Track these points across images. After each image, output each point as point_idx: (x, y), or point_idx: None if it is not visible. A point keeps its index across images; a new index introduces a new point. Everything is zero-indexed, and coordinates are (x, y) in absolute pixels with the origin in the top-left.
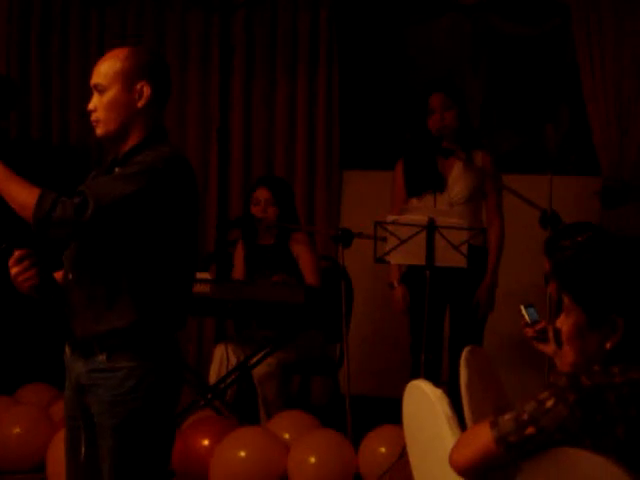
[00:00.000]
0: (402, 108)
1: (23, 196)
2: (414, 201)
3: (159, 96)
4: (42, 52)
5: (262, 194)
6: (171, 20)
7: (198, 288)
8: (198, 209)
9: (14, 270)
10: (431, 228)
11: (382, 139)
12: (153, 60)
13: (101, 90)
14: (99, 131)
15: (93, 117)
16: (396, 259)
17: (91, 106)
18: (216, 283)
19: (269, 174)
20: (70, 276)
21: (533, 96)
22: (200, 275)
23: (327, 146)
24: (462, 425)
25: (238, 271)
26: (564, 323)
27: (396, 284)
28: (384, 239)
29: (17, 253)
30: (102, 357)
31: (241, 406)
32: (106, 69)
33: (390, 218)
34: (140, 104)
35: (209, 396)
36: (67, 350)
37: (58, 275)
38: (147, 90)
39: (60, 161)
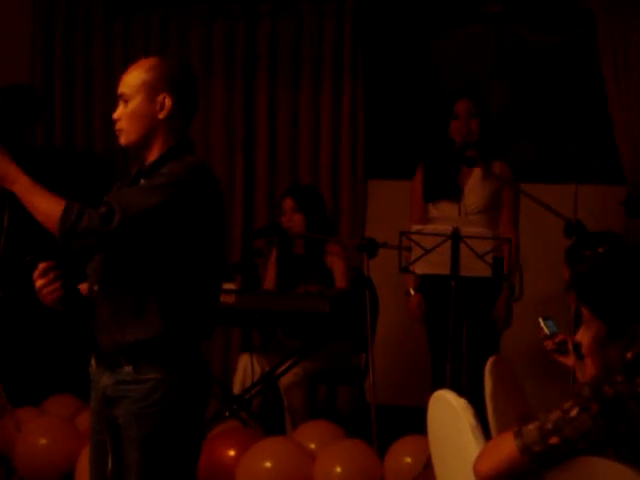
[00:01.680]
0: (426, 117)
1: (48, 208)
2: (432, 209)
3: (182, 108)
4: (66, 61)
5: (287, 203)
6: (196, 29)
7: (223, 298)
8: (224, 219)
9: (39, 282)
10: (456, 238)
11: (407, 148)
12: (178, 71)
13: (125, 100)
14: (122, 140)
15: (117, 126)
16: (421, 269)
17: (116, 115)
18: (242, 293)
19: (295, 184)
20: (96, 288)
21: (557, 105)
22: (225, 285)
23: (352, 156)
24: (486, 435)
25: (269, 280)
26: (584, 336)
27: (412, 292)
28: (409, 249)
29: (41, 265)
30: (128, 369)
31: (267, 416)
32: (131, 79)
33: (415, 228)
34: (161, 115)
35: (234, 407)
36: (92, 362)
37: (83, 287)
38: (169, 102)
39: (84, 170)
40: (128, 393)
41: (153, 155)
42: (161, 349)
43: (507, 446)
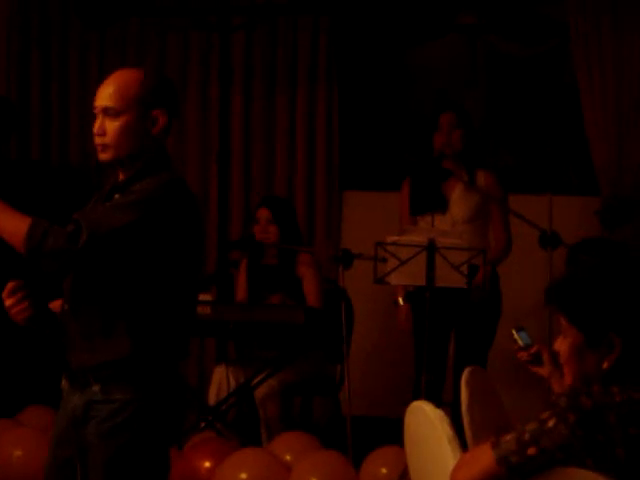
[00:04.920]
0: (401, 128)
1: (14, 226)
2: (420, 222)
3: (169, 122)
4: (42, 73)
5: (262, 214)
6: (171, 41)
7: (199, 309)
8: (201, 236)
9: (7, 302)
10: (431, 249)
11: (382, 159)
12: (166, 85)
13: (113, 114)
14: (106, 156)
15: (99, 141)
16: (396, 280)
17: (99, 130)
18: (217, 304)
19: (269, 194)
20: (66, 307)
21: (532, 115)
22: (201, 296)
23: (327, 167)
24: (463, 446)
25: (241, 292)
26: (561, 344)
27: (401, 302)
28: (384, 260)
29: (9, 285)
30: (96, 388)
31: (242, 427)
32: (119, 92)
33: (390, 239)
34: (155, 131)
35: (210, 418)
36: (64, 382)
37: (56, 305)
38: (163, 118)
39: (59, 182)
40: (96, 413)
41: (133, 170)
42: (130, 369)
43: (484, 457)
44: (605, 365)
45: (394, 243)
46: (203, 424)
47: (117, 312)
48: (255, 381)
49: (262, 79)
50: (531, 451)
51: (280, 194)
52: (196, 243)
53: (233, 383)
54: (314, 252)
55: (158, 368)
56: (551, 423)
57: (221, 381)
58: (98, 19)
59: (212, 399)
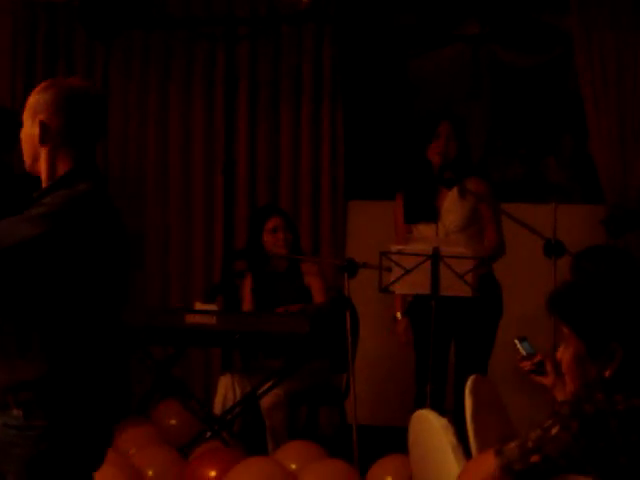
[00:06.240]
0: (406, 138)
1: None
2: (414, 231)
3: (70, 134)
4: None
5: (277, 222)
6: (176, 52)
7: (204, 319)
8: (120, 250)
9: None
10: (436, 257)
11: (386, 169)
12: (69, 94)
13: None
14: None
15: None
16: (401, 289)
17: None
18: (222, 314)
19: (269, 204)
20: None
21: (536, 125)
22: (206, 306)
23: (332, 177)
24: (467, 454)
25: (247, 302)
26: (564, 354)
27: (399, 316)
28: (389, 269)
29: None
30: (17, 412)
31: (248, 436)
32: (28, 101)
33: (395, 248)
34: (40, 141)
35: (216, 427)
36: None
37: None
38: (50, 127)
39: None
40: (15, 439)
41: (45, 180)
42: (50, 392)
43: (488, 464)
44: (607, 374)
45: (399, 252)
46: (209, 434)
47: (32, 329)
48: (261, 390)
49: (267, 89)
50: (534, 459)
51: (285, 204)
52: (113, 258)
53: (239, 393)
54: (320, 261)
55: (79, 390)
56: (554, 431)
57: (227, 391)
58: (103, 30)
59: (218, 409)
